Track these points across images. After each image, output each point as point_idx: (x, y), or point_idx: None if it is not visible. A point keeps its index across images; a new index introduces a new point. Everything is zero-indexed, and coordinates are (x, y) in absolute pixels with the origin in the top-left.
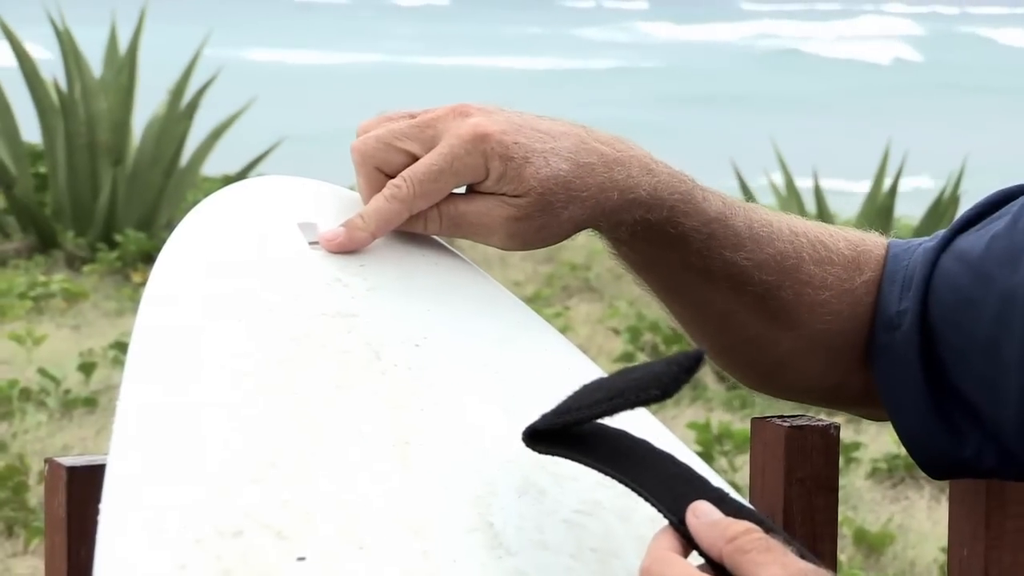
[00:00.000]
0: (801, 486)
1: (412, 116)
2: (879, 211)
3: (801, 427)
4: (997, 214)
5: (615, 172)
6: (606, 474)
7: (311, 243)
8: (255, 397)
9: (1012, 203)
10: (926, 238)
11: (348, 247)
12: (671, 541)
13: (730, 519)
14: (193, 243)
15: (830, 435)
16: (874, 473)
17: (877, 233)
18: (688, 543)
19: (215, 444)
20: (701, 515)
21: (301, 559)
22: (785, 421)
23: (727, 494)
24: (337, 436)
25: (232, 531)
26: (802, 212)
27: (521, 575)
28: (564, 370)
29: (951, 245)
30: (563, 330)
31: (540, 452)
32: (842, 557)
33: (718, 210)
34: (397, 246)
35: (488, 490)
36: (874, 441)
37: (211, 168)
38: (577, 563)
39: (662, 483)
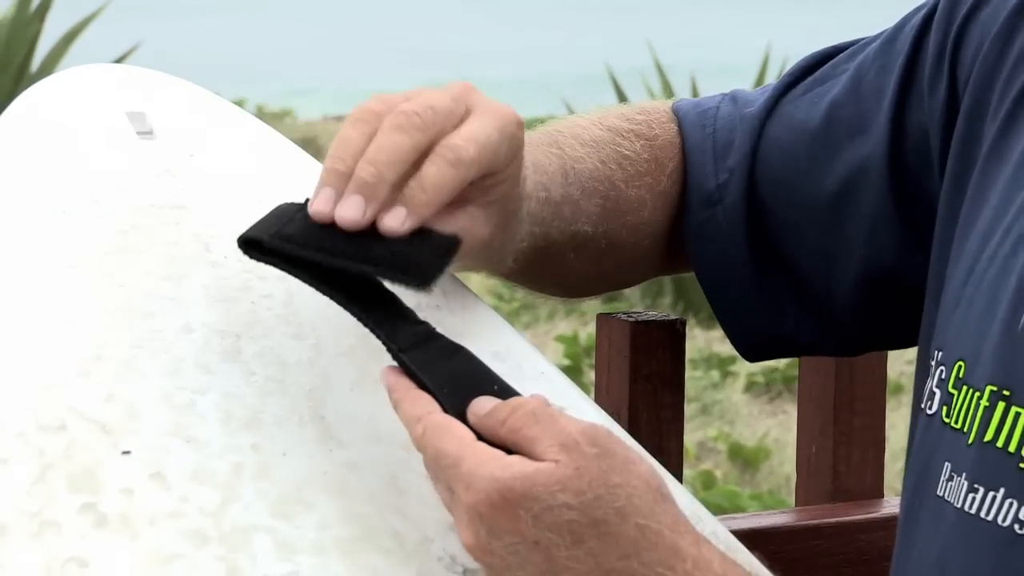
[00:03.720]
0: (647, 383)
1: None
2: None
3: (647, 323)
4: (820, 75)
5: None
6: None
7: (140, 133)
8: (81, 290)
9: (837, 61)
10: (716, 96)
11: (413, 223)
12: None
13: (500, 403)
14: (16, 133)
15: (676, 331)
16: (751, 387)
17: (661, 100)
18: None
19: (39, 337)
20: (479, 410)
21: (126, 453)
22: (631, 317)
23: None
24: (165, 329)
25: (55, 425)
26: None
27: (353, 467)
28: None
29: (776, 110)
30: None
31: (256, 259)
32: (717, 472)
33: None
34: (227, 137)
35: (321, 383)
36: None
37: None
38: (409, 455)
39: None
